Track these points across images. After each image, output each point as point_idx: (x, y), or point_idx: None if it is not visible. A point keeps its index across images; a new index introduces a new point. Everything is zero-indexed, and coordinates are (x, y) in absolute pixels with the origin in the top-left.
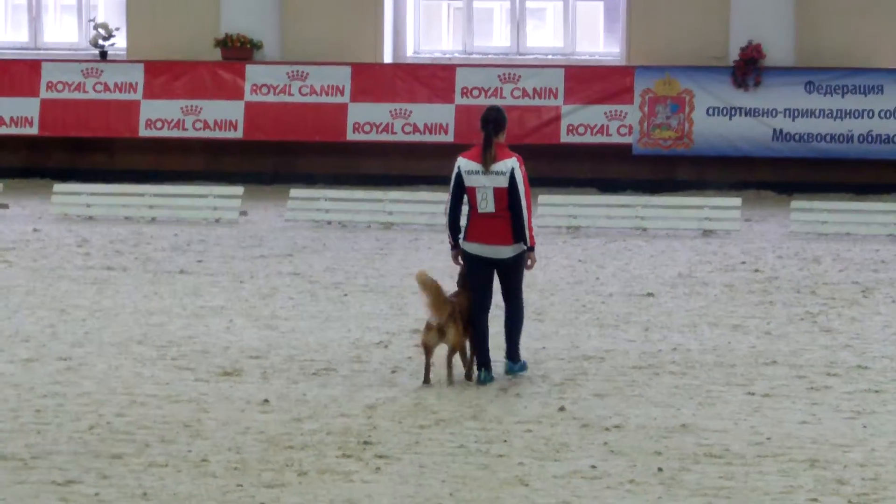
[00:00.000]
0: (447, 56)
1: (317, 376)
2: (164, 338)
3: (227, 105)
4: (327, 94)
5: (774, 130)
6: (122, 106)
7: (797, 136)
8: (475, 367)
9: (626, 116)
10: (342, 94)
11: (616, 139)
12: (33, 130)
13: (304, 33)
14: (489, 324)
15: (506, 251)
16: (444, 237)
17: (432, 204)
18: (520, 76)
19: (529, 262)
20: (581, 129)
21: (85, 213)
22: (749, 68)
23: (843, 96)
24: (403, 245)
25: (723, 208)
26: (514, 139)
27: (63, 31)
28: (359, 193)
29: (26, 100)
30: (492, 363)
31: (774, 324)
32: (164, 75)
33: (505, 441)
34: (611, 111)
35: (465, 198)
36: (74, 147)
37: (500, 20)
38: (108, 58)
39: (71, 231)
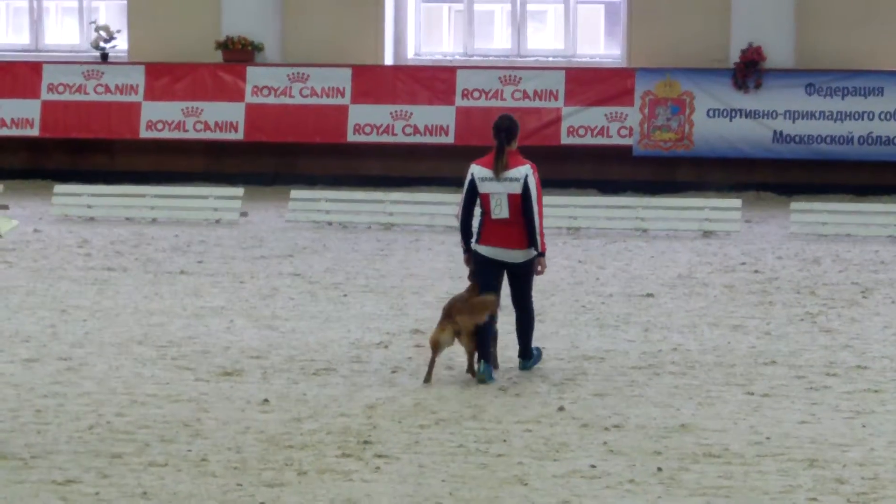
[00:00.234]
0: (448, 58)
1: (317, 376)
2: (164, 338)
3: (227, 107)
4: (328, 95)
5: (775, 132)
6: (123, 107)
7: (797, 138)
8: (476, 362)
9: (627, 118)
10: (343, 95)
11: (616, 141)
12: (34, 132)
13: (304, 35)
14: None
15: (518, 255)
16: (444, 238)
17: (433, 205)
18: (520, 78)
19: (540, 268)
20: (581, 131)
21: (85, 214)
22: (749, 70)
23: (843, 98)
24: (404, 246)
25: (723, 209)
26: None
27: (64, 33)
28: (359, 194)
29: (27, 101)
30: (495, 358)
31: (774, 324)
32: (165, 77)
33: (504, 441)
34: (611, 113)
35: (478, 202)
36: (75, 148)
37: (501, 22)
38: (109, 60)
39: (71, 232)
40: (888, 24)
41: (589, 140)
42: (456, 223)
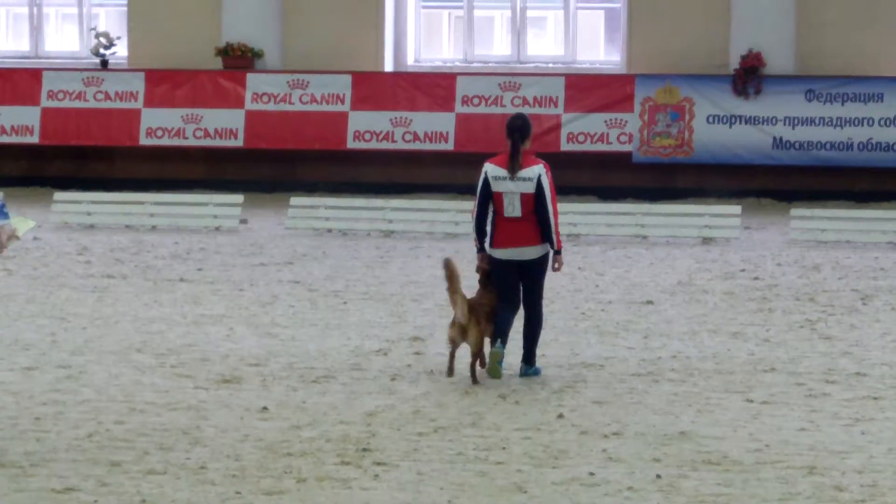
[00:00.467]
0: (448, 64)
1: (316, 384)
2: (163, 346)
3: (227, 113)
4: (328, 102)
5: (774, 138)
6: (122, 114)
7: (797, 144)
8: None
9: (627, 125)
10: (342, 102)
11: (616, 147)
12: (34, 139)
13: (304, 42)
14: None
15: (532, 252)
16: (444, 245)
17: (432, 212)
18: (520, 84)
19: (557, 265)
20: (581, 138)
21: (85, 222)
22: (749, 76)
23: (843, 104)
24: (403, 253)
25: (723, 216)
26: None
27: (64, 40)
28: (359, 201)
29: (27, 108)
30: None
31: (773, 331)
32: (165, 84)
33: (503, 448)
34: (611, 119)
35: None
36: (75, 155)
37: (501, 29)
38: (109, 66)
39: (71, 239)
40: (888, 31)
41: (589, 146)
42: (456, 228)
